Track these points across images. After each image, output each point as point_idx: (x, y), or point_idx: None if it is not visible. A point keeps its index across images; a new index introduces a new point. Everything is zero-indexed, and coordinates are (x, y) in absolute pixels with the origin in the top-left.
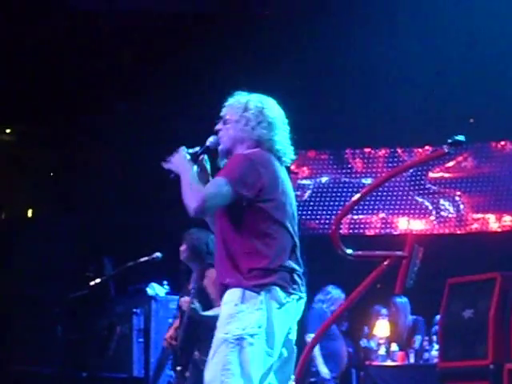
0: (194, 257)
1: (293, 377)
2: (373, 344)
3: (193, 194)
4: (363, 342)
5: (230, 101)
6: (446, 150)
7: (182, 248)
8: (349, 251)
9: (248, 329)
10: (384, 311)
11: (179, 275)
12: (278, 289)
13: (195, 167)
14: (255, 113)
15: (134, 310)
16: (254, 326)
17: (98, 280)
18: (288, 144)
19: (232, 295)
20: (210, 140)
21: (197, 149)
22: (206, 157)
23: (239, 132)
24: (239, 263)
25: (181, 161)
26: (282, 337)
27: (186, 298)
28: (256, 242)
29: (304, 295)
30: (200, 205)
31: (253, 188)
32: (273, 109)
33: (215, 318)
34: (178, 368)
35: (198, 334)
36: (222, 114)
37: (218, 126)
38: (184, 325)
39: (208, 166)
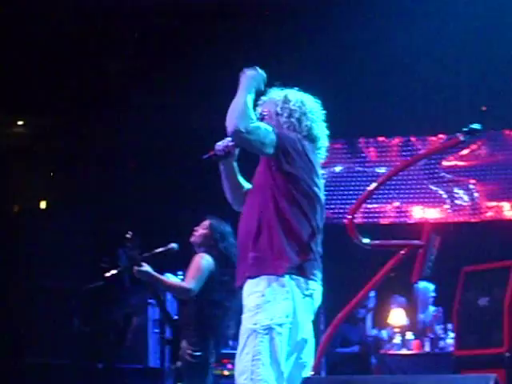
0: (204, 242)
1: (310, 363)
2: (384, 334)
3: (242, 115)
4: (372, 332)
5: (265, 97)
6: (462, 139)
7: (197, 231)
8: (366, 240)
9: (276, 319)
10: (401, 300)
11: None
12: (301, 279)
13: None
14: (298, 104)
15: (149, 301)
16: (281, 316)
17: (113, 271)
18: (325, 136)
19: (258, 285)
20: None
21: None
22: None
23: (284, 124)
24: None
25: (251, 76)
26: (306, 325)
27: None
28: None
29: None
30: (241, 130)
31: (295, 156)
32: (311, 101)
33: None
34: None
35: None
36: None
37: None
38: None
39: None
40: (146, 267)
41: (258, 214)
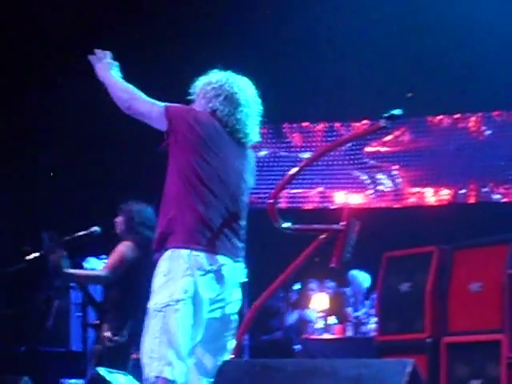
0: (129, 229)
1: (231, 346)
2: (312, 316)
3: (115, 97)
4: (293, 316)
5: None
6: (383, 124)
7: (118, 220)
8: (286, 225)
9: (174, 295)
10: (313, 285)
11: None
12: (202, 254)
13: None
14: (216, 86)
15: (72, 285)
16: (179, 292)
17: (35, 254)
18: (251, 124)
19: (161, 264)
20: None
21: None
22: None
23: (198, 104)
24: (173, 220)
25: (99, 60)
26: (209, 303)
27: None
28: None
29: (241, 259)
30: (123, 109)
31: (185, 128)
32: (237, 85)
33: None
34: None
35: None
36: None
37: None
38: None
39: None
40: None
41: (165, 190)
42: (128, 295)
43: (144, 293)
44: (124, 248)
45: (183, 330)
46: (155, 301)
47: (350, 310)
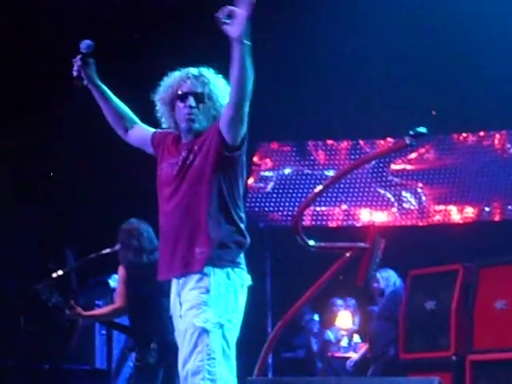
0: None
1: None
2: (331, 336)
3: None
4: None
5: (211, 76)
6: (408, 142)
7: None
8: (311, 242)
9: (225, 314)
10: (340, 302)
11: None
12: (241, 270)
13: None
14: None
15: (96, 302)
16: (229, 311)
17: (60, 272)
18: None
19: (201, 279)
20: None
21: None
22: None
23: (217, 112)
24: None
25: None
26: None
27: None
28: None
29: None
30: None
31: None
32: None
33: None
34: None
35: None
36: (197, 89)
37: (193, 103)
38: None
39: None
40: (77, 309)
41: (201, 206)
42: (147, 313)
43: (163, 310)
44: (119, 273)
45: (234, 347)
46: (203, 318)
47: None
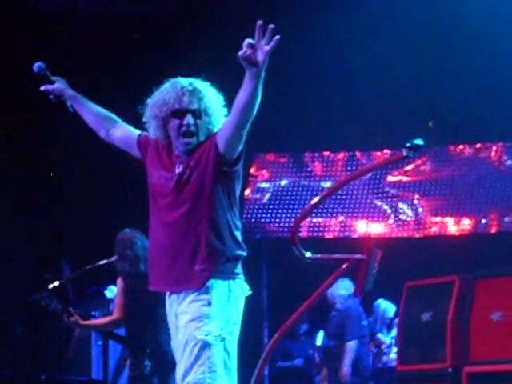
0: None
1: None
2: None
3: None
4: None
5: (204, 90)
6: (405, 154)
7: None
8: (308, 254)
9: (226, 327)
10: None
11: None
12: (241, 281)
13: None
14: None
15: (93, 313)
16: (230, 324)
17: (56, 283)
18: None
19: (202, 292)
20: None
21: None
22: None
23: (212, 125)
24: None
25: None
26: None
27: None
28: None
29: None
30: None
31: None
32: None
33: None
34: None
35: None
36: (194, 106)
37: (192, 120)
38: None
39: None
40: (76, 317)
41: (202, 220)
42: (145, 323)
43: (161, 320)
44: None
45: (235, 360)
46: (205, 331)
47: (380, 336)
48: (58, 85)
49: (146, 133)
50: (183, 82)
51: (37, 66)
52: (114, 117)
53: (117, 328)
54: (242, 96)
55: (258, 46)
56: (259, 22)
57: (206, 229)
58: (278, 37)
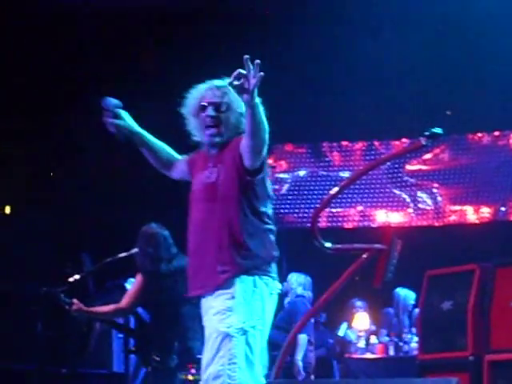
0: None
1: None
2: (352, 336)
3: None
4: (342, 334)
5: (223, 85)
6: (423, 143)
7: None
8: (327, 244)
9: (249, 321)
10: (359, 304)
11: None
12: (269, 278)
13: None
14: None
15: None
16: (253, 318)
17: (76, 276)
18: None
19: (227, 286)
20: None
21: None
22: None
23: (238, 122)
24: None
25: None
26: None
27: None
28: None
29: None
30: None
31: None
32: None
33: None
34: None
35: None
36: (216, 99)
37: (213, 112)
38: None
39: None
40: (78, 305)
41: (226, 223)
42: (167, 319)
43: (186, 317)
44: (139, 278)
45: (258, 354)
46: (227, 323)
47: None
48: (126, 123)
49: (187, 155)
50: (216, 81)
51: (113, 103)
52: (172, 154)
53: (123, 316)
54: (247, 126)
55: (248, 77)
56: (245, 57)
57: (229, 231)
58: (261, 73)
